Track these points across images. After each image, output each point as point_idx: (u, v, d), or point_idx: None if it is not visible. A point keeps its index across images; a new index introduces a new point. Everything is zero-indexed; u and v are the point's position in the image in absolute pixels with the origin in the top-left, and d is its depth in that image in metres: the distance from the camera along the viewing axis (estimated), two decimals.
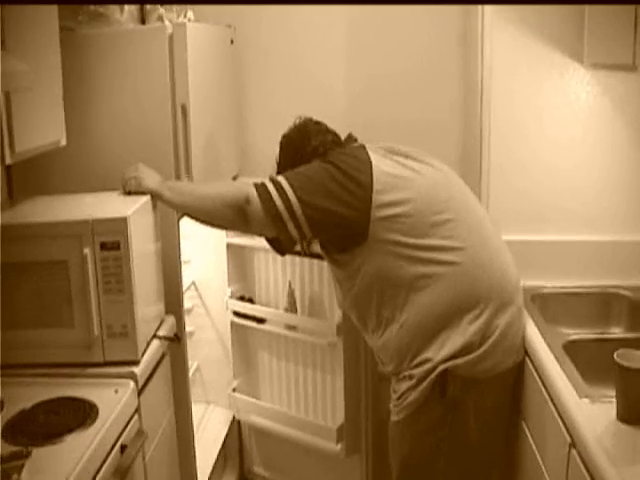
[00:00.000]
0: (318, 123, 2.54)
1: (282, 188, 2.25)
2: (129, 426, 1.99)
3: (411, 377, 2.26)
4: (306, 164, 2.38)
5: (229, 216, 2.32)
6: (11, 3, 1.91)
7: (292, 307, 3.11)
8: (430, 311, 2.23)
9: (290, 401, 3.28)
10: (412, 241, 2.23)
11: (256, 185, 2.29)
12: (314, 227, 2.28)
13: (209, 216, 2.38)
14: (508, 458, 2.46)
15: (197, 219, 2.40)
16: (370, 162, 2.29)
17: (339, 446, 3.04)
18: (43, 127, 2.16)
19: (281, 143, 2.56)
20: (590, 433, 1.74)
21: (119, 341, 2.15)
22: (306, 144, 2.46)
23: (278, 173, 2.45)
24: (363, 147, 2.40)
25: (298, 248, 2.50)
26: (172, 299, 2.58)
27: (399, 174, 2.29)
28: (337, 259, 2.39)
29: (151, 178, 2.38)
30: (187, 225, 2.61)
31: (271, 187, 2.27)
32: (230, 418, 3.41)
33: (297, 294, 3.12)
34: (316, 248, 2.51)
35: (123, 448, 1.91)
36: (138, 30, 2.58)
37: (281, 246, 2.44)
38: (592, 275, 2.82)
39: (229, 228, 2.86)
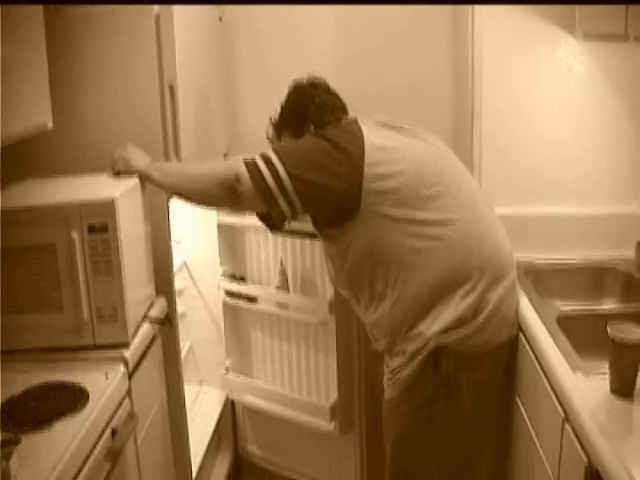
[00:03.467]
0: (329, 88, 2.53)
1: (272, 164, 2.23)
2: (120, 410, 1.98)
3: (404, 353, 2.25)
4: (306, 118, 2.41)
5: (220, 195, 2.30)
6: (9, 3, 1.88)
7: (284, 285, 3.09)
8: (423, 286, 2.22)
9: (283, 380, 3.28)
10: (404, 215, 2.21)
11: (246, 162, 2.27)
12: (305, 202, 2.26)
13: (199, 196, 2.37)
14: (502, 433, 2.46)
15: (187, 199, 2.38)
16: (362, 135, 2.27)
17: (333, 424, 3.04)
18: (28, 110, 2.13)
19: (291, 89, 2.53)
20: (584, 407, 1.73)
21: (109, 324, 2.14)
22: (315, 95, 2.45)
23: (277, 121, 2.49)
24: (355, 120, 2.38)
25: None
26: (163, 280, 2.57)
27: (391, 147, 2.28)
28: (329, 234, 2.37)
29: (140, 159, 2.37)
30: (177, 204, 2.59)
31: (261, 163, 2.24)
32: (223, 398, 3.42)
33: (289, 272, 3.10)
34: (308, 226, 2.49)
35: (114, 432, 1.91)
36: (124, 10, 2.54)
37: (272, 222, 2.42)
38: (585, 248, 2.82)
39: (220, 207, 2.85)
